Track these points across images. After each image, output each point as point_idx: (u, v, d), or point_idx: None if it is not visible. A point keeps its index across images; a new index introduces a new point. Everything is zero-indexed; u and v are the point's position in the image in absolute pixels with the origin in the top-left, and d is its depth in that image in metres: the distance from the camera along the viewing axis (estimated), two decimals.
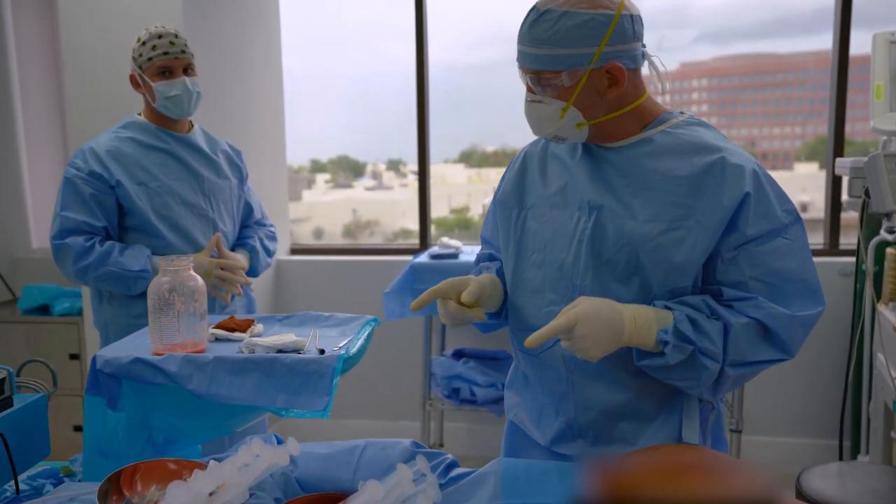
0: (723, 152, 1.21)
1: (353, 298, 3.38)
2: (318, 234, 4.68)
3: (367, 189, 4.39)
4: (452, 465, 1.21)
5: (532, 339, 1.14)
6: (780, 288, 1.18)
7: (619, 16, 1.18)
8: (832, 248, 3.21)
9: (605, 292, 1.23)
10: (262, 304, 3.38)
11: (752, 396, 3.14)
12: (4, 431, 1.30)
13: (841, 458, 1.99)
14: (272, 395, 1.44)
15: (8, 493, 1.34)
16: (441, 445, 3.23)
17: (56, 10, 3.02)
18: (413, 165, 3.65)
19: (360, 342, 1.60)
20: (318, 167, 4.63)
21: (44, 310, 3.09)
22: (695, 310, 1.18)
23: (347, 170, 4.49)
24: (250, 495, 1.14)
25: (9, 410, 1.34)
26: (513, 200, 1.40)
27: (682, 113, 1.31)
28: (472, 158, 4.05)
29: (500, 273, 1.44)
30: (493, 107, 3.76)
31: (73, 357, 3.03)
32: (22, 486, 1.44)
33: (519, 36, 1.23)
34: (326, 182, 4.67)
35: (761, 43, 3.61)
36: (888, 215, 1.90)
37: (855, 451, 2.73)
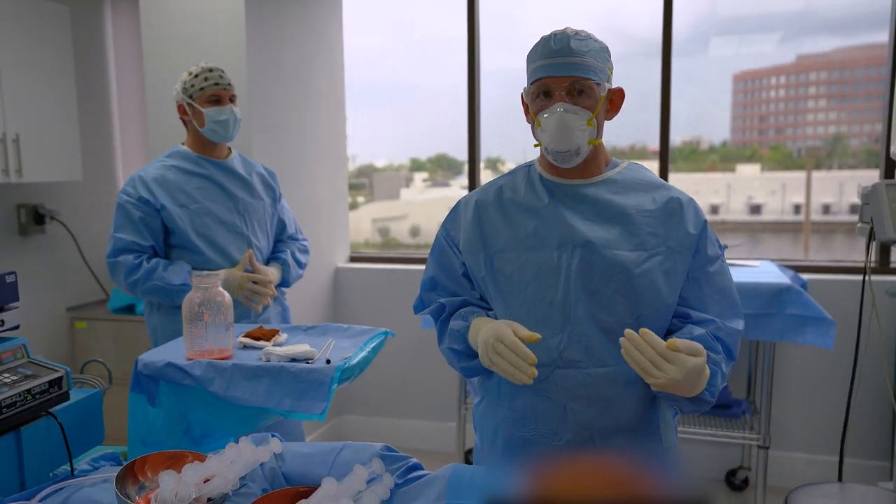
0: (671, 190, 1.45)
1: (406, 306, 3.55)
2: (415, 231, 4.80)
3: (464, 188, 4.33)
4: (415, 468, 1.36)
5: (676, 342, 1.23)
6: (723, 303, 1.41)
7: None
8: (882, 265, 3.14)
9: (594, 319, 1.37)
10: (319, 309, 3.65)
11: (786, 411, 3.14)
12: (62, 421, 1.58)
13: (840, 479, 2.01)
14: (279, 398, 1.64)
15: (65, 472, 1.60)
16: None
17: (140, 43, 3.41)
18: (512, 163, 3.73)
19: (363, 353, 1.77)
20: (417, 166, 4.76)
21: (129, 309, 3.43)
22: (713, 352, 1.35)
23: (446, 168, 4.57)
24: (242, 485, 1.35)
25: (65, 403, 1.61)
26: (477, 245, 1.48)
27: (621, 161, 1.52)
28: None
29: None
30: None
31: None
32: (84, 467, 1.71)
33: (554, 52, 1.35)
34: (424, 181, 4.82)
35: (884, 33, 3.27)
36: (891, 243, 1.91)
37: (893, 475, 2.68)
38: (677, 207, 1.41)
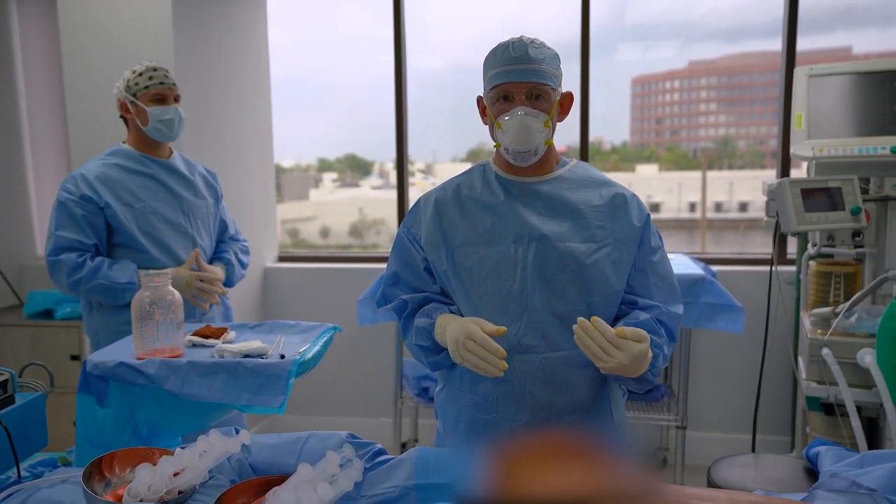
0: (616, 187, 1.58)
1: (336, 304, 3.61)
2: (325, 232, 4.70)
3: (374, 188, 4.42)
4: (380, 453, 1.43)
5: (623, 330, 1.34)
6: (665, 290, 1.54)
7: None
8: (780, 256, 3.43)
9: (549, 307, 1.48)
10: (249, 309, 3.62)
11: (701, 394, 3.38)
12: (7, 425, 1.54)
13: (753, 451, 2.21)
14: (237, 394, 1.66)
15: (9, 478, 1.57)
16: (416, 441, 3.47)
17: (58, 38, 3.28)
18: (421, 164, 3.75)
19: (316, 348, 1.81)
20: (325, 166, 4.68)
21: (47, 314, 3.31)
22: (656, 335, 1.48)
23: (355, 168, 4.54)
24: (210, 477, 1.38)
25: (11, 407, 1.57)
26: (438, 241, 1.56)
27: (570, 160, 1.64)
28: (480, 157, 4.09)
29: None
30: None
31: (74, 358, 3.26)
32: (24, 473, 1.68)
33: (513, 59, 1.44)
34: (334, 181, 4.74)
35: (774, 41, 3.40)
36: (794, 235, 2.11)
37: (793, 447, 2.95)
38: (622, 202, 1.53)
